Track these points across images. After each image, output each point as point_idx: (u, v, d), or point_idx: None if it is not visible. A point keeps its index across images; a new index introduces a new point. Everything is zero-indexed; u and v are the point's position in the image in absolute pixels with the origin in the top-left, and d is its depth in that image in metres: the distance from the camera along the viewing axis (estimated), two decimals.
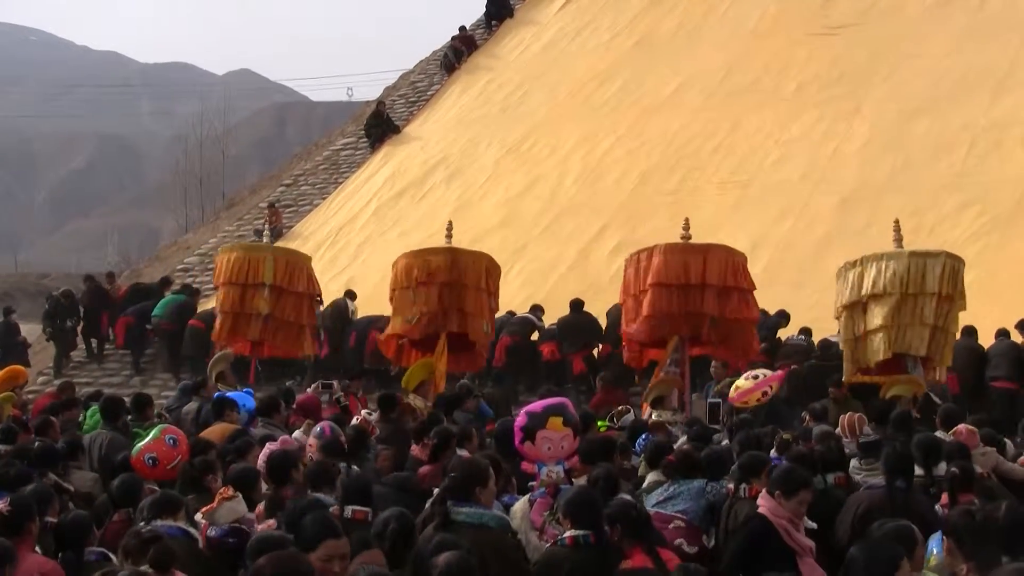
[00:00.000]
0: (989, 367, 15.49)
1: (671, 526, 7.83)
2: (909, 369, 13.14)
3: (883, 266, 13.27)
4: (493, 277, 15.08)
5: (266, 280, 15.49)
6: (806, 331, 16.84)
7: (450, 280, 14.58)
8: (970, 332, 15.52)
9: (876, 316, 13.20)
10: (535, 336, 18.88)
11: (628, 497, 7.44)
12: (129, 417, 12.05)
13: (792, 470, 7.25)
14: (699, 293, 13.74)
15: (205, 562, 6.68)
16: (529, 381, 18.66)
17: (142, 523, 6.76)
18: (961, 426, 9.54)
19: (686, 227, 14.27)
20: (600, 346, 18.29)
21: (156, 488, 8.14)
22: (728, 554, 7.16)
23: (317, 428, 10.20)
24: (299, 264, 16.18)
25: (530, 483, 7.88)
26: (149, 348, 22.41)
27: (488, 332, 15.10)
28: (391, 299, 15.19)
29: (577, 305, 18.47)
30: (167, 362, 21.87)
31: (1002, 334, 15.87)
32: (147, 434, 9.58)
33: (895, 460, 7.80)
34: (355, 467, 8.82)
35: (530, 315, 19.20)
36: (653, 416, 12.31)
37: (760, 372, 12.61)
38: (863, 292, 13.34)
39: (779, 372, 13.29)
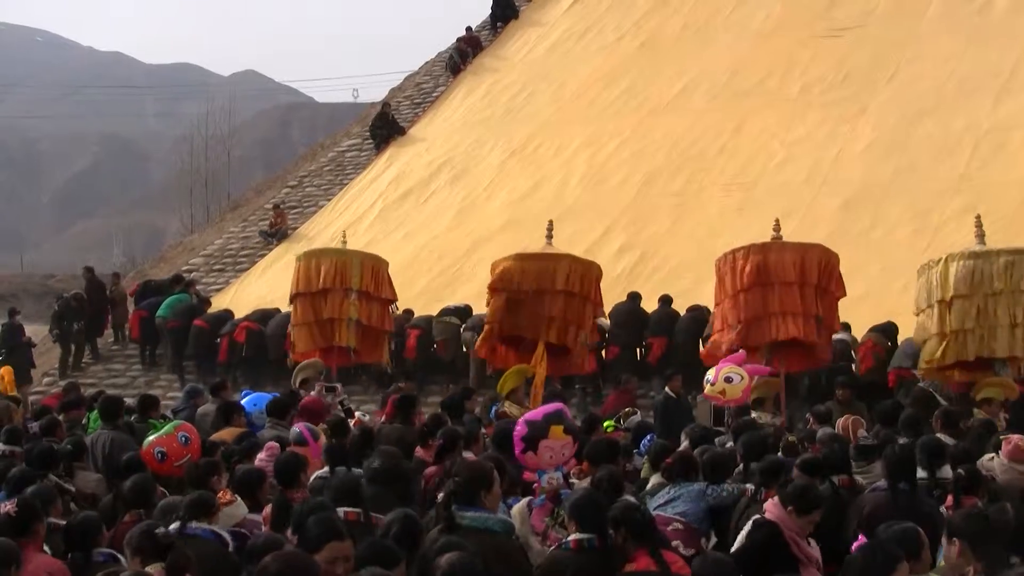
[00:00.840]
0: None
1: (669, 528, 7.85)
2: (997, 370, 12.87)
3: (970, 264, 13.01)
4: (595, 285, 14.51)
5: (354, 285, 15.11)
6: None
7: (552, 288, 14.05)
8: None
9: (962, 316, 12.95)
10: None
11: (632, 499, 7.48)
12: (134, 418, 12.12)
13: (809, 488, 7.24)
14: (796, 291, 13.33)
15: (234, 566, 6.63)
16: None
17: (176, 522, 6.73)
18: (1016, 437, 9.36)
19: (777, 228, 13.95)
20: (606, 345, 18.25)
21: (165, 491, 8.18)
22: (734, 556, 7.18)
23: (295, 430, 10.15)
24: (382, 269, 15.82)
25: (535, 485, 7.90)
26: (161, 343, 22.54)
27: (587, 342, 14.46)
28: (488, 303, 14.72)
29: (635, 296, 18.61)
30: (171, 361, 21.94)
31: None
32: (161, 428, 9.64)
33: (896, 462, 7.79)
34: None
35: None
36: (753, 416, 12.18)
37: (734, 374, 12.41)
38: (948, 291, 13.04)
39: (763, 368, 13.10)
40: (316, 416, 11.46)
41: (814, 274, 13.32)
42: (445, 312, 19.85)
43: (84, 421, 12.87)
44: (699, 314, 17.76)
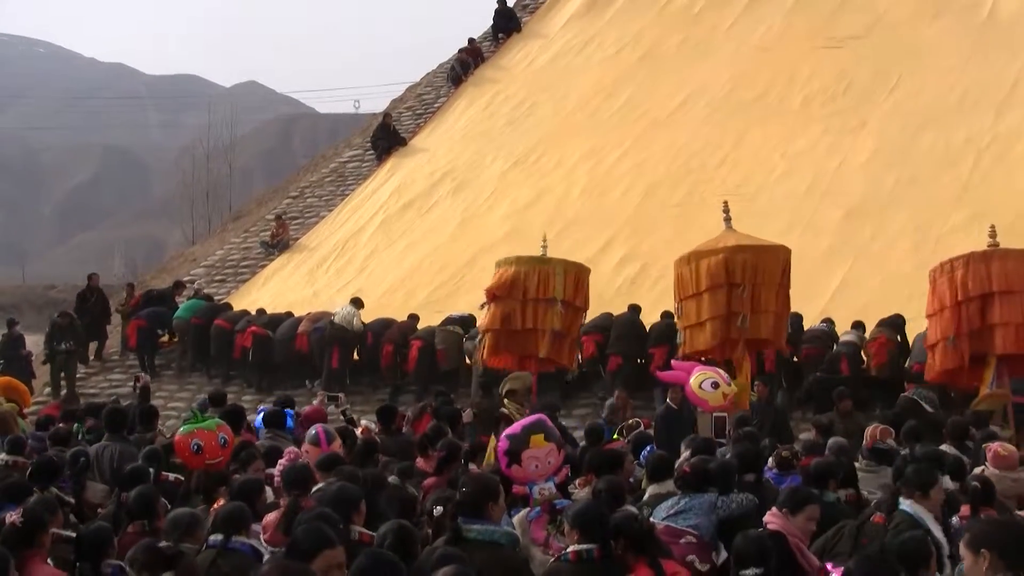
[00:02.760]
0: None
1: (682, 541, 7.77)
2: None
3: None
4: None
5: (557, 295, 14.72)
6: (828, 320, 17.32)
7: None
8: None
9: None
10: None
11: (633, 509, 7.48)
12: (136, 429, 12.12)
13: (797, 488, 7.28)
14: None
15: None
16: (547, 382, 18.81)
17: (219, 536, 6.61)
18: (996, 444, 9.47)
19: (992, 234, 13.62)
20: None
21: (166, 503, 8.16)
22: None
23: (312, 431, 10.17)
24: (584, 278, 15.37)
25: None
26: (159, 354, 22.62)
27: (744, 325, 13.88)
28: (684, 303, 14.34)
29: (635, 308, 18.65)
30: (192, 360, 22.09)
31: None
32: (201, 420, 9.62)
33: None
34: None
35: None
36: (992, 429, 11.79)
37: (709, 381, 12.36)
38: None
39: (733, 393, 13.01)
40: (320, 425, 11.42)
41: None
42: (448, 321, 19.89)
43: (76, 431, 12.82)
44: None
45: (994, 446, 9.32)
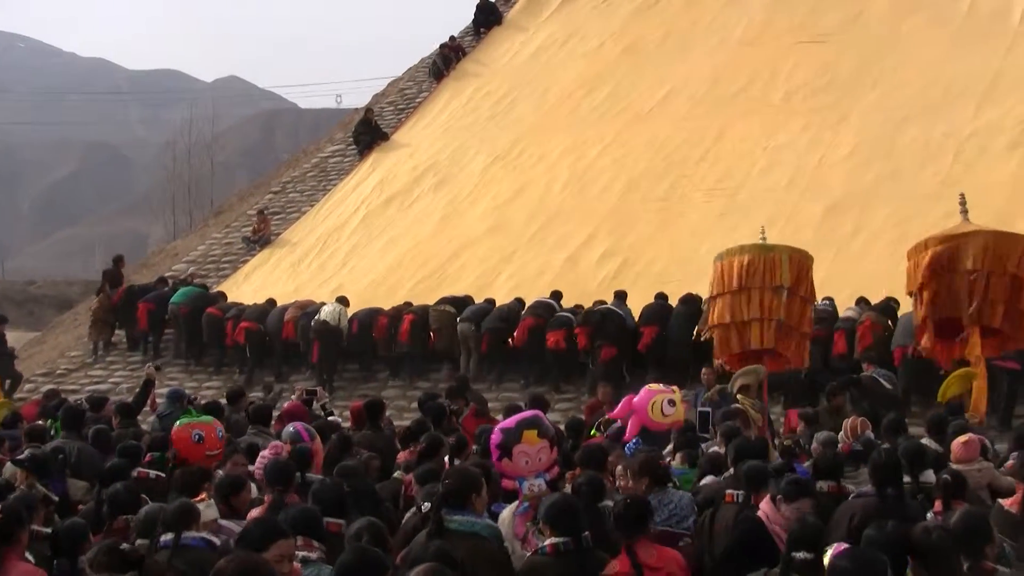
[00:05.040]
0: None
1: (681, 544, 7.80)
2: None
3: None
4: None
5: (784, 283, 13.81)
6: (829, 299, 17.35)
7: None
8: None
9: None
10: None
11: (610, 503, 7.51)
12: (117, 422, 12.10)
13: (798, 479, 7.36)
14: None
15: None
16: (539, 370, 19.05)
17: (170, 535, 6.61)
18: (972, 436, 9.50)
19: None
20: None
21: (147, 498, 8.13)
22: (723, 554, 7.23)
23: (290, 428, 10.16)
24: (807, 264, 14.43)
25: (494, 506, 7.90)
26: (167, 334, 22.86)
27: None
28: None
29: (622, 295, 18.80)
30: (183, 348, 22.26)
31: None
32: (197, 416, 9.89)
33: (883, 468, 7.79)
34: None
35: (550, 300, 19.51)
36: None
37: (666, 400, 12.22)
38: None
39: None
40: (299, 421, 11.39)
41: None
42: (442, 301, 20.17)
43: (52, 431, 12.77)
44: (693, 307, 17.96)
45: (967, 437, 9.40)
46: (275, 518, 5.76)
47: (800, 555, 6.08)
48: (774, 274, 13.53)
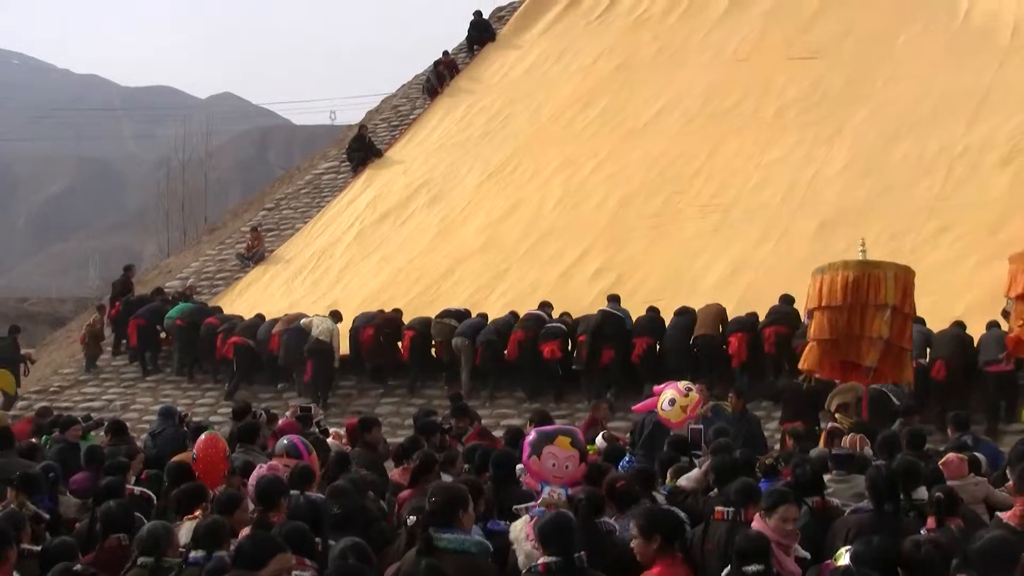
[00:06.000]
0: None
1: None
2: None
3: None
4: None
5: (889, 301, 13.70)
6: None
7: None
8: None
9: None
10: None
11: (611, 522, 7.49)
12: (108, 440, 12.06)
13: (773, 489, 7.31)
14: None
15: None
16: (532, 383, 19.20)
17: (201, 553, 6.42)
18: (952, 455, 9.52)
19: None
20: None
21: (143, 517, 8.07)
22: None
23: (284, 441, 10.11)
24: (910, 281, 14.28)
25: (515, 507, 7.88)
26: (161, 351, 23.00)
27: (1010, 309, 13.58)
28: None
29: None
30: (179, 361, 22.41)
31: (992, 325, 16.31)
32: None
33: (881, 484, 7.77)
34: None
35: (540, 311, 19.59)
36: None
37: (667, 399, 12.32)
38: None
39: (698, 399, 13.07)
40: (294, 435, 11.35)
41: None
42: (444, 314, 20.25)
43: (44, 443, 12.76)
44: (688, 318, 18.07)
45: (948, 457, 9.40)
46: (270, 533, 5.73)
47: (752, 568, 6.14)
48: (879, 292, 13.53)
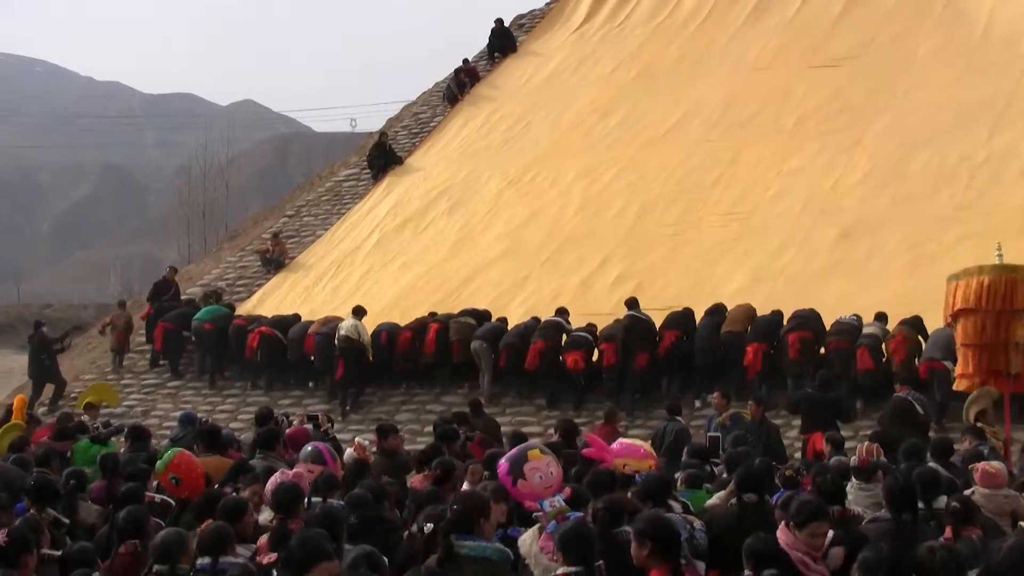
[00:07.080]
0: None
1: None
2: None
3: None
4: None
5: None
6: (856, 315, 17.44)
7: None
8: None
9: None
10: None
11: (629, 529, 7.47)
12: (127, 447, 12.10)
13: (806, 501, 7.24)
14: None
15: None
16: (554, 393, 19.18)
17: (207, 559, 6.57)
18: (983, 464, 9.38)
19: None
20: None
21: (160, 522, 8.11)
22: None
23: (309, 448, 10.13)
24: None
25: (535, 514, 7.87)
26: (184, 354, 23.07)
27: None
28: None
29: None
30: (204, 365, 22.47)
31: None
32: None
33: (899, 493, 7.72)
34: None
35: (558, 318, 19.56)
36: None
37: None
38: None
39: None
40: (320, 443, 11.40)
41: None
42: (464, 313, 20.39)
43: (68, 453, 12.77)
44: (719, 317, 18.28)
45: (981, 465, 9.25)
46: (319, 539, 5.72)
47: (768, 572, 6.17)
48: (1015, 296, 13.17)
